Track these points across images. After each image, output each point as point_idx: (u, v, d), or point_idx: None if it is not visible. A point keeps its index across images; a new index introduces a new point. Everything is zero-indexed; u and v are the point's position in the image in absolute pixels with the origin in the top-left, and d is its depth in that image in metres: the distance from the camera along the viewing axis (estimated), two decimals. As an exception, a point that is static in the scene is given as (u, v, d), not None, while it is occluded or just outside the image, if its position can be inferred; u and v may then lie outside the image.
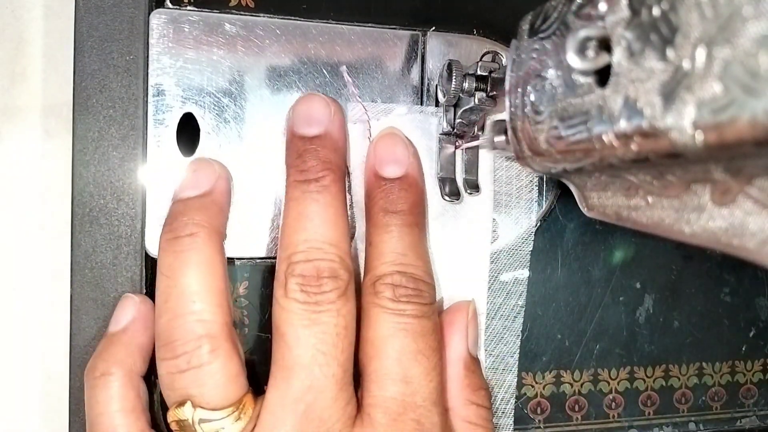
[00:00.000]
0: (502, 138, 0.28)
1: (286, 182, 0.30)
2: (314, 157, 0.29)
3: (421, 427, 0.27)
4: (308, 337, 0.27)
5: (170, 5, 0.31)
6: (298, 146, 0.30)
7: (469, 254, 0.34)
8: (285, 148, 0.31)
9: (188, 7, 0.32)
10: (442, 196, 0.33)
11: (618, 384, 0.37)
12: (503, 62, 0.33)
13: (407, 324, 0.28)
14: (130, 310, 0.29)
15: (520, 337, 0.35)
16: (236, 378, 0.27)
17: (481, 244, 0.34)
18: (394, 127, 0.32)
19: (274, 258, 0.32)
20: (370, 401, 0.28)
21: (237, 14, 0.32)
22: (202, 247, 0.27)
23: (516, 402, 0.35)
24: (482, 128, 0.32)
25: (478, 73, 0.29)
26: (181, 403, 0.26)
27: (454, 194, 0.33)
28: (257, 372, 0.32)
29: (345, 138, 0.31)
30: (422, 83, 0.34)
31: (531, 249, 0.35)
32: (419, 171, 0.31)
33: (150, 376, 0.30)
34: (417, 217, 0.30)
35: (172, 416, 0.27)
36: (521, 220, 0.35)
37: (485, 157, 0.34)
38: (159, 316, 0.27)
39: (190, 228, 0.28)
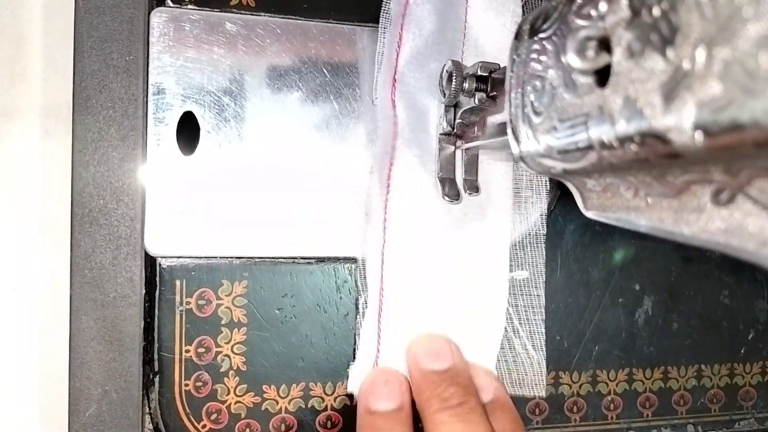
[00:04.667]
0: (502, 139, 0.28)
1: (428, 413, 0.30)
2: (454, 385, 0.30)
3: None
4: None
5: (171, 4, 0.32)
6: (432, 379, 0.30)
7: (488, 255, 0.34)
8: (414, 385, 0.31)
9: (189, 6, 0.32)
10: (442, 197, 0.33)
11: (617, 385, 0.37)
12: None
13: None
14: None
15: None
16: None
17: (500, 246, 0.34)
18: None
19: (275, 258, 0.32)
20: None
21: (237, 13, 0.32)
22: None
23: (514, 403, 0.35)
24: (483, 128, 0.32)
25: (479, 73, 0.29)
26: None
27: (454, 195, 0.33)
28: (257, 372, 0.32)
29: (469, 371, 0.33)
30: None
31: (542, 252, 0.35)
32: (465, 366, 0.33)
33: (144, 384, 0.30)
34: (472, 407, 0.30)
35: None
36: (529, 218, 0.35)
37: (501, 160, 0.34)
38: None
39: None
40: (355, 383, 0.32)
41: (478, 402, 0.30)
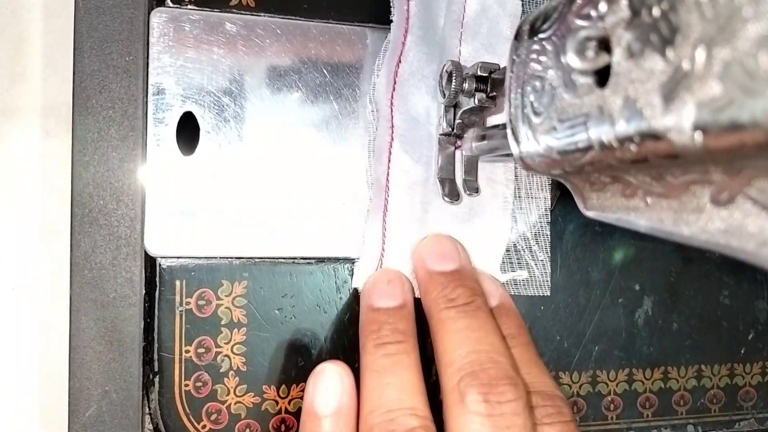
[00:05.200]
0: (502, 140, 0.28)
1: (435, 312, 0.30)
2: (461, 286, 0.30)
3: None
4: None
5: (171, 4, 0.32)
6: (440, 280, 0.31)
7: (483, 256, 0.34)
8: (420, 285, 0.32)
9: (189, 6, 0.32)
10: (442, 197, 0.33)
11: (617, 386, 0.37)
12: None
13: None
14: (338, 393, 0.29)
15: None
16: None
17: (496, 248, 0.34)
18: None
19: (275, 258, 0.32)
20: None
21: (237, 13, 0.32)
22: (409, 352, 0.29)
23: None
24: (483, 128, 0.32)
25: (478, 73, 0.29)
26: None
27: (454, 195, 0.33)
28: (257, 372, 0.32)
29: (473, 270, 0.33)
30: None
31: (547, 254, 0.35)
32: (472, 269, 0.33)
33: (144, 384, 0.30)
34: (478, 305, 0.30)
35: None
36: (530, 219, 0.35)
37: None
38: (373, 410, 0.27)
39: (396, 336, 0.29)
40: (359, 280, 0.33)
41: (485, 302, 0.30)
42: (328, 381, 0.29)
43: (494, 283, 0.33)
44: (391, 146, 0.32)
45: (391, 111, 0.32)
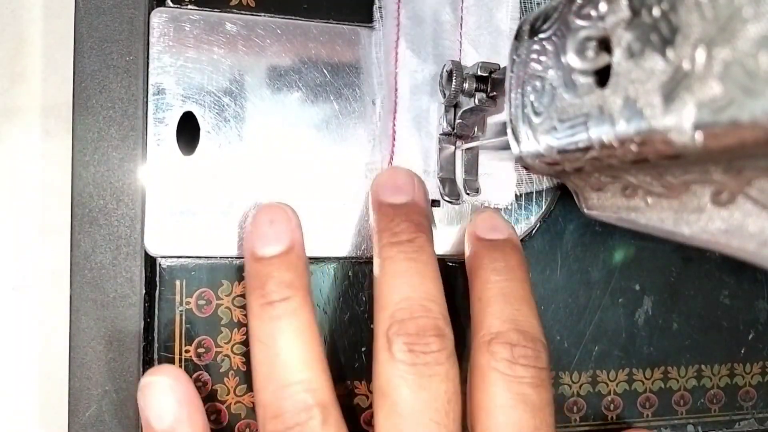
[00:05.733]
0: (502, 139, 0.28)
1: (378, 246, 0.29)
2: (406, 221, 0.29)
3: None
4: (419, 405, 0.25)
5: (171, 4, 0.32)
6: (387, 212, 0.30)
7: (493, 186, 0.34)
8: (373, 217, 0.30)
9: (189, 6, 0.32)
10: (442, 197, 0.33)
11: (617, 386, 0.37)
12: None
13: (526, 395, 0.26)
14: (171, 405, 0.27)
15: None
16: None
17: None
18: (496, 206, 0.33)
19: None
20: None
21: (238, 13, 0.32)
22: (299, 312, 0.26)
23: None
24: (483, 128, 0.32)
25: (479, 73, 0.29)
26: None
27: (454, 195, 0.33)
28: (256, 372, 0.32)
29: (430, 207, 0.32)
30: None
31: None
32: (519, 241, 0.32)
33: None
34: (526, 274, 0.30)
35: None
36: (520, 221, 0.35)
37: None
38: (262, 387, 0.26)
39: (283, 292, 0.27)
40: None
41: (429, 240, 0.29)
42: (158, 396, 0.27)
43: (502, 219, 0.32)
44: (397, 45, 0.32)
45: (398, 8, 0.32)
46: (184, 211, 0.32)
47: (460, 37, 0.33)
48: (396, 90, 0.32)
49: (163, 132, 0.31)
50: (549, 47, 0.22)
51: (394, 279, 0.27)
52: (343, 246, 0.33)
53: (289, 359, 0.26)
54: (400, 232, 0.28)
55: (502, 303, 0.28)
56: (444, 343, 0.26)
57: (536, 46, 0.23)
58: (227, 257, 0.32)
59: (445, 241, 0.34)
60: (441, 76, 0.32)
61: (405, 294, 0.27)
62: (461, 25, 0.33)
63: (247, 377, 0.32)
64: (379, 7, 0.33)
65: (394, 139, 0.32)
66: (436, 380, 0.25)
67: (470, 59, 0.32)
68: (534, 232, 0.35)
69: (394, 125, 0.32)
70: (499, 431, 0.26)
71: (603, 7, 0.19)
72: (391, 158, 0.32)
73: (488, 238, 0.31)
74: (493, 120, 0.31)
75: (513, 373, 0.26)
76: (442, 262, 0.35)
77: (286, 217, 0.28)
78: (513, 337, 0.27)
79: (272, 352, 0.26)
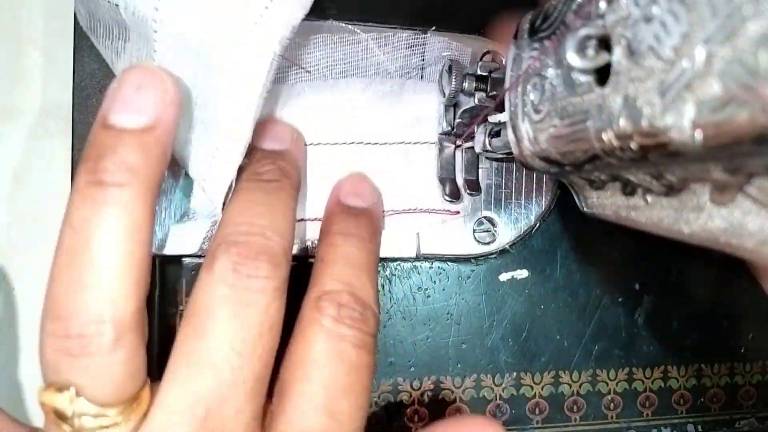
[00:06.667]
0: (502, 138, 0.28)
1: (237, 183, 0.27)
2: (274, 164, 0.28)
3: None
4: (226, 330, 0.23)
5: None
6: (259, 155, 0.28)
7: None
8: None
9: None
10: (442, 197, 0.33)
11: (617, 385, 0.37)
12: (503, 62, 0.33)
13: (344, 352, 0.25)
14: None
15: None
16: (136, 373, 0.23)
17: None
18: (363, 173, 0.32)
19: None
20: (286, 428, 0.24)
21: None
22: (131, 206, 0.22)
23: (514, 402, 0.35)
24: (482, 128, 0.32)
25: (478, 73, 0.29)
26: (61, 389, 0.21)
27: (454, 194, 0.33)
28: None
29: (304, 160, 0.31)
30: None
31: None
32: (381, 211, 0.32)
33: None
34: (374, 245, 0.29)
35: (47, 399, 0.22)
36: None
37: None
38: (55, 278, 0.22)
39: (120, 175, 0.21)
40: None
41: (293, 188, 0.27)
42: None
43: (369, 185, 0.32)
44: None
45: None
46: (184, 211, 0.32)
47: None
48: None
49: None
50: (549, 46, 0.22)
51: (242, 203, 0.25)
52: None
53: (98, 257, 0.21)
54: (263, 172, 0.27)
55: (341, 266, 0.26)
56: (275, 273, 0.23)
57: (536, 45, 0.23)
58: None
59: (443, 241, 0.34)
60: (441, 75, 0.32)
61: (248, 219, 0.24)
62: None
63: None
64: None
65: None
66: (252, 310, 0.23)
67: None
68: (534, 231, 0.35)
69: None
70: (310, 383, 0.24)
71: (603, 5, 0.19)
72: None
73: (348, 203, 0.30)
74: (494, 119, 0.31)
75: (336, 330, 0.25)
76: (438, 261, 0.35)
77: (161, 88, 0.23)
78: (344, 298, 0.25)
79: (81, 242, 0.21)
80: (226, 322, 0.23)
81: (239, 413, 0.23)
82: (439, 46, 0.33)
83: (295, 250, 0.32)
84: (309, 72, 0.32)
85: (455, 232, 0.34)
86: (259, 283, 0.23)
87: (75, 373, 0.21)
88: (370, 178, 0.32)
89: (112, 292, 0.21)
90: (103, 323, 0.21)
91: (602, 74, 0.19)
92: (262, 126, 0.29)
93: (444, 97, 0.31)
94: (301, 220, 0.32)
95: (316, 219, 0.32)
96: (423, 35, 0.33)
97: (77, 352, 0.21)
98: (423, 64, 0.33)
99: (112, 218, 0.21)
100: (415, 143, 0.33)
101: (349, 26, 0.32)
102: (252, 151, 0.28)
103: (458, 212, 0.33)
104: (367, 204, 0.31)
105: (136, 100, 0.23)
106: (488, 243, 0.34)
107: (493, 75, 0.29)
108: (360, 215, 0.30)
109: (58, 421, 0.22)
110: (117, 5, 0.26)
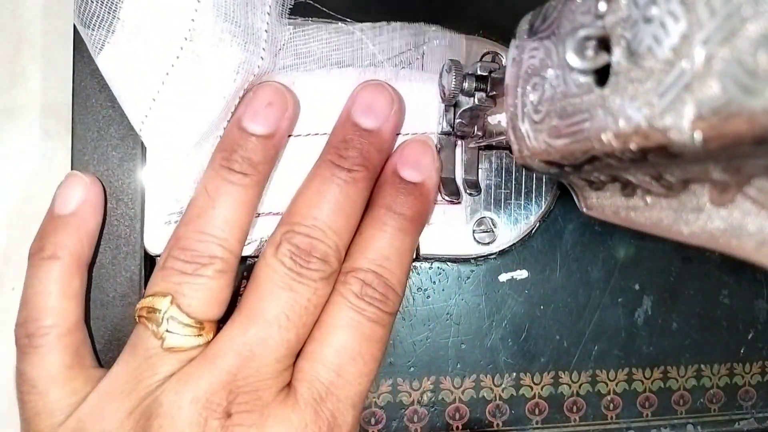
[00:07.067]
0: (502, 138, 0.28)
1: (321, 156, 0.30)
2: (357, 149, 0.30)
3: (334, 420, 0.28)
4: (280, 298, 0.28)
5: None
6: (347, 131, 0.30)
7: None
8: (336, 122, 0.31)
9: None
10: (442, 197, 0.33)
11: (616, 385, 0.37)
12: (503, 62, 0.33)
13: (360, 324, 0.29)
14: (79, 191, 0.30)
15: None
16: (222, 303, 0.29)
17: None
18: (429, 137, 0.33)
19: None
20: (300, 376, 0.28)
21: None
22: (249, 189, 0.29)
23: (514, 403, 0.35)
24: (482, 128, 0.32)
25: (478, 73, 0.29)
26: (163, 295, 0.28)
27: (454, 194, 0.33)
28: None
29: (394, 141, 0.32)
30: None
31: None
32: (436, 185, 0.32)
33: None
34: (416, 226, 0.31)
35: (146, 303, 0.28)
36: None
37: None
38: (187, 223, 0.29)
39: (245, 167, 0.29)
40: None
41: (368, 178, 0.30)
42: (69, 188, 0.30)
43: (430, 156, 0.32)
44: None
45: None
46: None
47: None
48: None
49: (162, 131, 0.31)
50: (549, 46, 0.22)
51: (314, 197, 0.29)
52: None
53: (220, 215, 0.28)
54: (346, 157, 0.29)
55: (377, 246, 0.29)
56: (324, 269, 0.28)
57: (535, 45, 0.23)
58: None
59: (443, 241, 0.34)
60: (441, 75, 0.32)
61: (314, 214, 0.29)
62: None
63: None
64: None
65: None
66: (303, 288, 0.28)
67: None
68: (534, 231, 0.35)
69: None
70: (327, 344, 0.28)
71: (602, 6, 0.19)
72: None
73: (404, 177, 0.31)
74: (493, 119, 0.31)
75: (356, 305, 0.29)
76: (437, 262, 0.35)
77: (283, 105, 0.30)
78: (369, 278, 0.29)
79: (210, 203, 0.28)
80: (281, 292, 0.28)
81: (277, 362, 0.28)
82: (432, 35, 0.33)
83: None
84: (303, 62, 0.32)
85: (455, 233, 0.34)
86: (311, 274, 0.28)
87: (181, 284, 0.28)
88: (432, 144, 0.32)
89: (226, 240, 0.28)
90: (215, 258, 0.28)
91: (602, 75, 0.19)
92: (364, 91, 0.31)
93: (444, 97, 0.31)
94: None
95: None
96: (415, 24, 0.33)
97: (191, 271, 0.28)
98: (417, 54, 0.33)
99: (236, 192, 0.29)
100: (414, 135, 0.33)
101: (343, 23, 0.32)
102: (345, 119, 0.31)
103: (459, 202, 0.33)
104: (422, 178, 0.31)
105: (264, 113, 0.29)
106: (488, 243, 0.34)
107: (493, 75, 0.29)
108: (410, 193, 0.30)
109: (148, 323, 0.28)
110: None
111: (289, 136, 0.32)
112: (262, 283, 0.28)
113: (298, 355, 0.29)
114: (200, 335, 0.28)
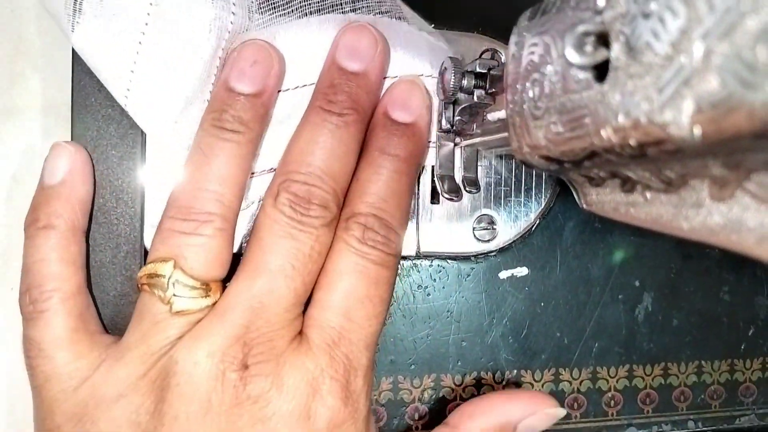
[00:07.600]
0: (501, 136, 0.28)
1: (310, 104, 0.30)
2: (345, 93, 0.29)
3: (349, 363, 0.28)
4: (283, 248, 0.28)
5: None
6: (333, 76, 0.30)
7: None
8: (322, 68, 0.31)
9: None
10: (441, 194, 0.33)
11: (617, 382, 0.37)
12: (502, 59, 0.33)
13: (365, 268, 0.29)
14: (64, 160, 0.30)
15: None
16: (225, 262, 0.29)
17: None
18: (417, 76, 0.32)
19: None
20: (311, 323, 0.29)
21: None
22: (242, 145, 0.29)
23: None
24: (481, 125, 0.32)
25: (477, 70, 0.29)
26: (165, 260, 0.28)
27: (453, 192, 0.33)
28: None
29: (381, 82, 0.31)
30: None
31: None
32: (428, 124, 0.32)
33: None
34: (411, 166, 0.31)
35: (148, 270, 0.28)
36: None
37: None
38: (183, 183, 0.29)
39: (236, 125, 0.29)
40: None
41: (359, 120, 0.30)
42: (55, 157, 0.30)
43: (419, 96, 0.31)
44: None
45: None
46: None
47: None
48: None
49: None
50: (547, 42, 0.22)
51: (307, 144, 0.29)
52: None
53: (216, 171, 0.28)
54: (335, 102, 0.29)
55: (374, 190, 0.29)
56: (324, 215, 0.28)
57: (535, 41, 0.23)
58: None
59: (443, 239, 0.34)
60: (440, 73, 0.32)
61: (309, 161, 0.29)
62: None
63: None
64: None
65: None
66: (305, 235, 0.28)
67: None
68: (533, 228, 0.35)
69: None
70: (334, 290, 0.29)
71: (601, 1, 0.19)
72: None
73: (395, 118, 0.31)
74: (493, 116, 0.31)
75: (360, 249, 0.29)
76: (437, 259, 0.35)
77: (269, 63, 0.30)
78: (370, 221, 0.29)
79: (205, 160, 0.28)
80: (284, 241, 0.28)
81: (286, 311, 0.28)
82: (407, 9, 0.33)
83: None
84: (281, 14, 0.31)
85: (455, 231, 0.34)
86: (311, 221, 0.28)
87: (181, 246, 0.28)
88: (421, 83, 0.32)
89: (222, 195, 0.28)
90: (213, 215, 0.28)
91: (601, 70, 0.19)
92: (347, 35, 0.30)
93: (443, 94, 0.31)
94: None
95: None
96: None
97: (188, 231, 0.28)
98: (398, 11, 0.32)
99: (230, 149, 0.29)
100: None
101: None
102: (329, 65, 0.30)
103: (459, 199, 0.33)
104: (413, 118, 0.31)
105: (250, 72, 0.29)
106: (488, 241, 0.34)
107: (492, 72, 0.29)
108: (403, 133, 0.30)
109: (154, 289, 0.28)
110: None
111: (279, 91, 0.31)
112: (264, 234, 0.28)
113: (306, 305, 0.29)
114: (207, 296, 0.28)
